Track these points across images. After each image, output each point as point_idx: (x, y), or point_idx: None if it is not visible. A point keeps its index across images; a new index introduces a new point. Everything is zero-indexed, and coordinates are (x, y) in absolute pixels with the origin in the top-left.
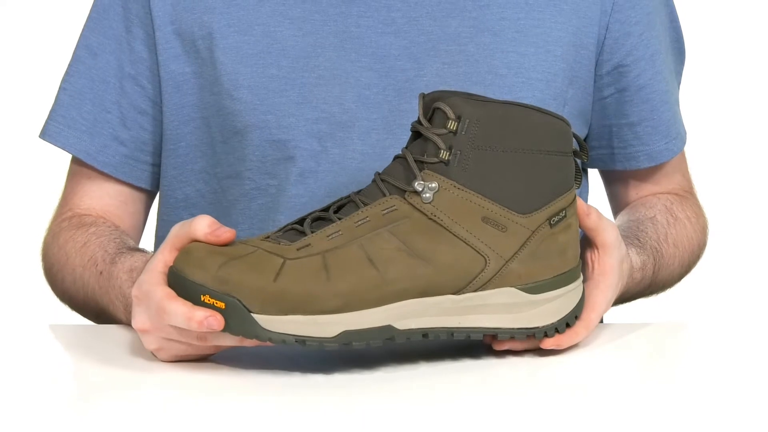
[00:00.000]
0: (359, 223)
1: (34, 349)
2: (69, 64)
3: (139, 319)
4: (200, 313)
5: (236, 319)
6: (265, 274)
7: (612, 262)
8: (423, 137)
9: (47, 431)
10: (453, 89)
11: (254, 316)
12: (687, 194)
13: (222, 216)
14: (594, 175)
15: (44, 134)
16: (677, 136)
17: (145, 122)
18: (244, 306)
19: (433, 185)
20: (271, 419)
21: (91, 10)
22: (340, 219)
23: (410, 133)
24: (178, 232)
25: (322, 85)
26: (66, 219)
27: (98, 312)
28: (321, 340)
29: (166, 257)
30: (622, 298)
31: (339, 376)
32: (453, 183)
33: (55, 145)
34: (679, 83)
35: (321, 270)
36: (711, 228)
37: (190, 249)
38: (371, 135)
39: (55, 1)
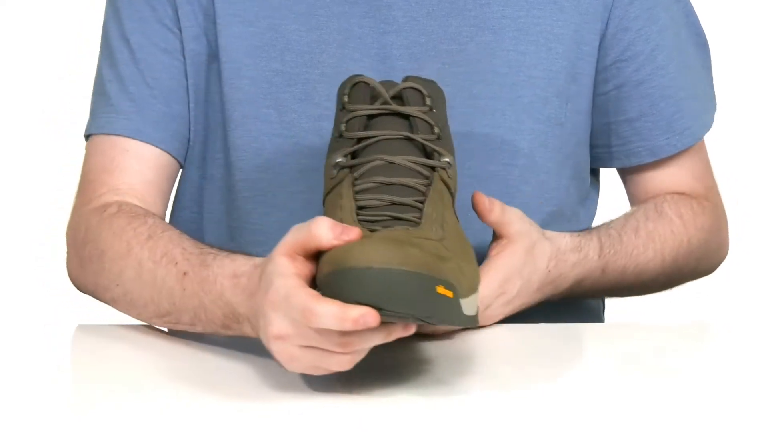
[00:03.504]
0: (438, 205)
1: (60, 350)
2: (103, 58)
3: (277, 326)
4: (355, 311)
5: (455, 308)
6: (465, 260)
7: (514, 248)
8: (400, 117)
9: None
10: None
11: (461, 301)
12: (699, 197)
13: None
14: (605, 177)
15: (94, 128)
16: (683, 132)
17: (184, 96)
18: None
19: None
20: (291, 426)
21: (115, 2)
22: (420, 210)
23: None
24: (295, 237)
25: (325, 82)
26: (109, 204)
27: (166, 312)
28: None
29: (290, 264)
30: (569, 288)
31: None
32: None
33: (105, 133)
34: (708, 77)
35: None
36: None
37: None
38: None
39: (56, 1)
